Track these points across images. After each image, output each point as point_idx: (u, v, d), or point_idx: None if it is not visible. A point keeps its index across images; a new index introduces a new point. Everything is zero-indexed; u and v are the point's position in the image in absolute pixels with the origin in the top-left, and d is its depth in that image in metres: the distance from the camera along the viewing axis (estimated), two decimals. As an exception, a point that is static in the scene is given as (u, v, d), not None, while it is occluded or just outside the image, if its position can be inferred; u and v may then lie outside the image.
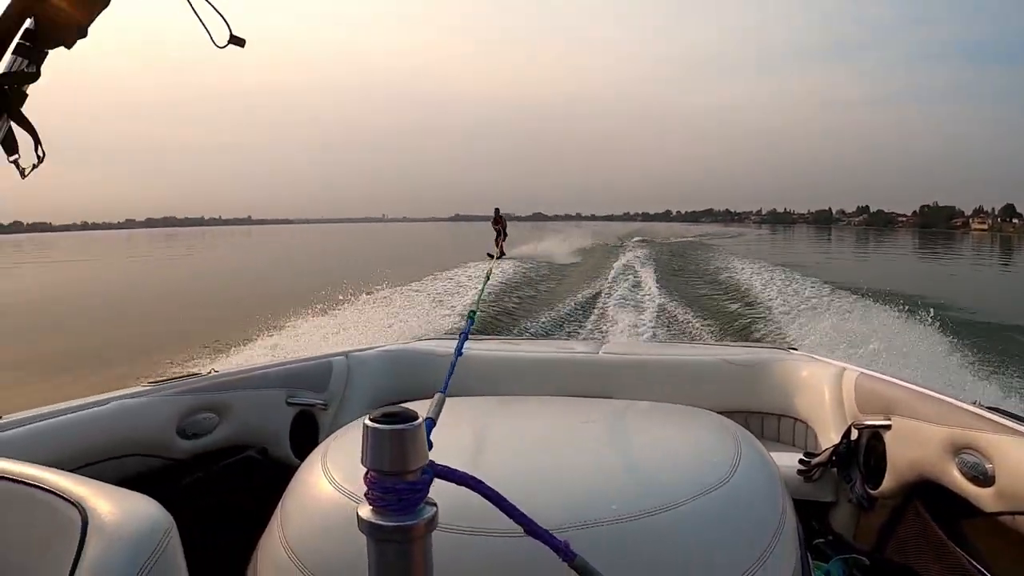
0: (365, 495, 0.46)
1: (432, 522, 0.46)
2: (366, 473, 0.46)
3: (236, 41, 1.21)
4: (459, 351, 1.07)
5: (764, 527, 0.89)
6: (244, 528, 1.20)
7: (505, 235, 20.60)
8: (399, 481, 0.45)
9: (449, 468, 0.48)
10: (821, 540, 1.39)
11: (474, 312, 1.31)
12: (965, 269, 27.49)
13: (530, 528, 0.48)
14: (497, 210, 22.26)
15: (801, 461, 1.40)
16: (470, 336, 1.22)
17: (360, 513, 0.46)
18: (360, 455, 0.46)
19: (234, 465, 1.67)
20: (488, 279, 1.67)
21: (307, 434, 1.84)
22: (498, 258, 20.02)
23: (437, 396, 0.81)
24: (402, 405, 0.49)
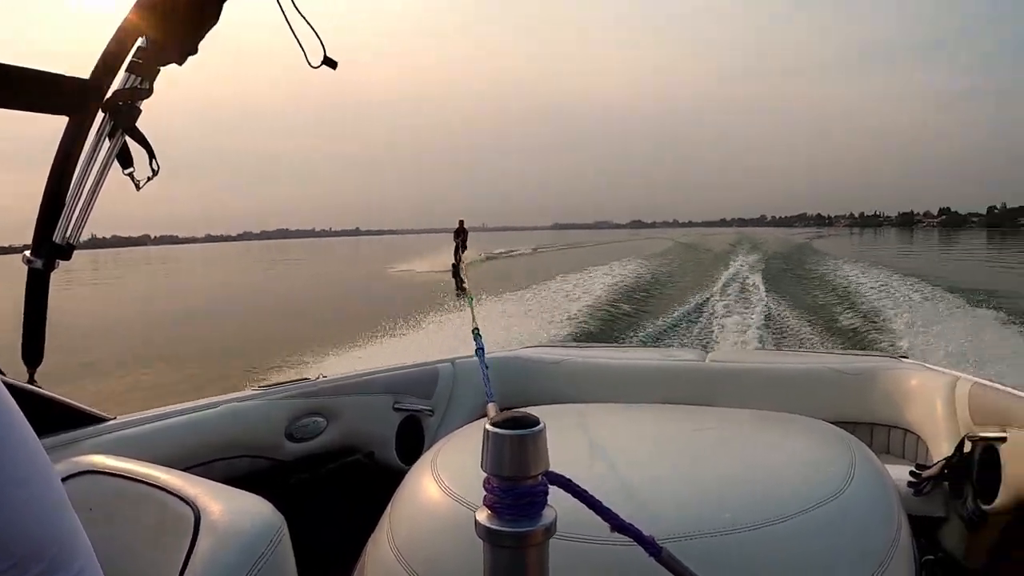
0: (484, 500, 0.46)
1: (550, 528, 0.45)
2: (485, 479, 0.46)
3: (329, 63, 1.23)
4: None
5: (879, 542, 0.88)
6: (350, 530, 1.22)
7: (466, 247, 17.50)
8: (519, 486, 0.45)
9: (562, 476, 0.47)
10: (931, 557, 1.30)
11: (476, 330, 1.32)
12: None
13: (616, 524, 0.47)
14: (461, 222, 17.48)
15: (912, 474, 1.36)
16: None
17: (478, 518, 0.46)
18: (470, 460, 0.46)
19: (341, 468, 1.69)
20: (472, 299, 1.60)
21: (413, 440, 1.85)
22: (464, 280, 18.18)
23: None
24: (521, 410, 0.48)
